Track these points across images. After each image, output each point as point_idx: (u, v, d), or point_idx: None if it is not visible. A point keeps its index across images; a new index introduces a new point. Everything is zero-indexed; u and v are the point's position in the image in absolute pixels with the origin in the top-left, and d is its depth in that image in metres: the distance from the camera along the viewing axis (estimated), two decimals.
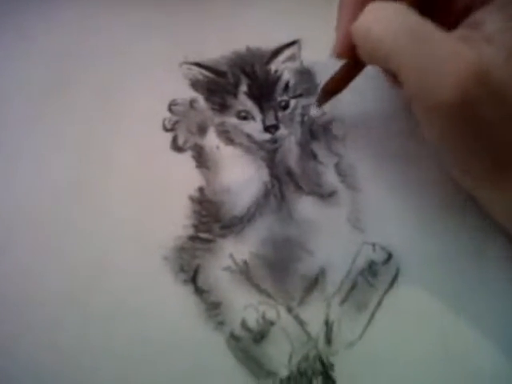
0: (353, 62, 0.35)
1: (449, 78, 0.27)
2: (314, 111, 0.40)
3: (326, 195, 0.37)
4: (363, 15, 0.31)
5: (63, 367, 0.33)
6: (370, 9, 0.31)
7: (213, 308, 0.33)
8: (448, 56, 0.27)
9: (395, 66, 0.29)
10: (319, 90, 0.39)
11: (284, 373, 0.32)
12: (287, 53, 0.42)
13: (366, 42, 0.31)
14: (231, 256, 0.35)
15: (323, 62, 0.39)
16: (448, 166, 0.33)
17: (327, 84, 0.37)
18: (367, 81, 0.39)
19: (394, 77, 0.33)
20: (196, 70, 0.41)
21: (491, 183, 0.31)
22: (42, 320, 0.34)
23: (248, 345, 0.32)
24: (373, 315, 0.34)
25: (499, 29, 0.29)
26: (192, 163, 0.38)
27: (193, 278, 0.34)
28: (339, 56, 0.34)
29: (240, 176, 0.38)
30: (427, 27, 0.28)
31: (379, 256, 0.35)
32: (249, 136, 0.39)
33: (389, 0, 0.30)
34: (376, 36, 0.30)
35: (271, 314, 0.33)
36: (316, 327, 0.33)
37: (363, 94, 0.40)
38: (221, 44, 0.42)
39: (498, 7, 0.29)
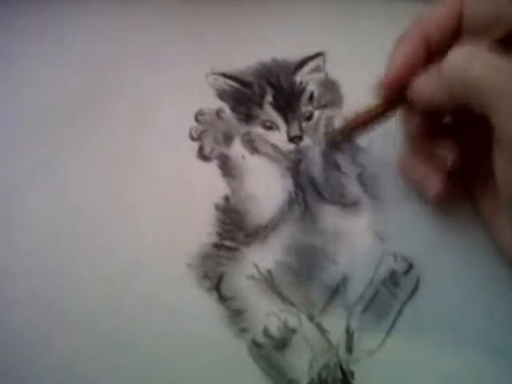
0: (390, 102, 0.34)
1: None
2: (337, 122, 0.40)
3: (348, 205, 0.38)
4: (456, 54, 0.30)
5: (94, 368, 0.34)
6: (462, 50, 0.30)
7: (235, 315, 0.34)
8: None
9: (493, 104, 0.29)
10: (337, 129, 0.38)
11: (305, 380, 0.32)
12: (312, 64, 0.43)
13: (462, 82, 0.30)
14: (255, 264, 0.35)
15: (347, 73, 0.40)
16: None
17: (351, 123, 0.36)
18: None
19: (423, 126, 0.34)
20: (222, 80, 0.42)
21: None
22: (75, 318, 0.35)
23: (269, 352, 0.33)
24: (393, 324, 0.34)
25: None
26: (218, 172, 0.39)
27: (217, 285, 0.35)
28: (388, 87, 0.34)
29: (265, 185, 0.38)
30: None
31: (400, 266, 0.35)
32: (274, 146, 0.39)
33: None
34: (476, 76, 0.29)
35: (293, 322, 0.34)
36: (337, 335, 0.34)
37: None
38: (247, 55, 0.43)
39: None
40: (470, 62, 0.29)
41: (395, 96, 0.34)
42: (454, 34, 0.33)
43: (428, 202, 0.36)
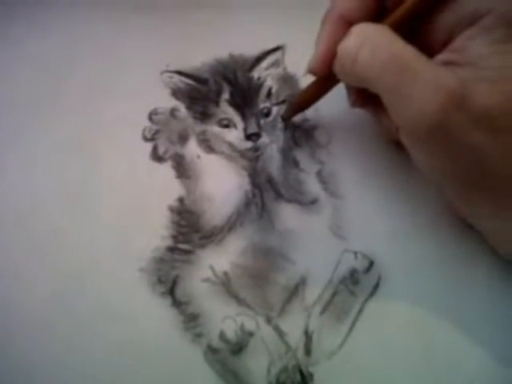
0: (326, 79, 0.36)
1: (429, 103, 0.28)
2: (295, 118, 0.40)
3: (307, 203, 0.37)
4: (350, 38, 0.32)
5: (49, 371, 0.33)
6: (357, 32, 0.32)
7: (191, 320, 0.34)
8: (429, 82, 0.28)
9: (379, 91, 0.31)
10: (286, 103, 0.40)
11: None
12: (270, 59, 0.42)
13: (352, 65, 0.31)
14: (211, 267, 0.35)
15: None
16: (449, 200, 0.34)
17: (296, 98, 0.39)
18: None
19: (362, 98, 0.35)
20: (177, 78, 0.42)
21: (494, 213, 0.32)
22: (28, 324, 0.34)
23: (226, 357, 0.33)
24: (354, 324, 0.34)
25: (483, 54, 0.30)
26: (172, 173, 0.39)
27: (171, 289, 0.35)
28: (315, 72, 0.35)
29: (221, 185, 0.38)
30: (411, 54, 0.30)
31: (361, 264, 0.35)
32: (230, 144, 0.39)
33: (372, 22, 0.32)
34: (364, 61, 0.31)
35: (250, 325, 0.34)
36: (295, 337, 0.33)
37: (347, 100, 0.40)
38: (203, 51, 0.43)
39: (480, 32, 0.30)
40: (358, 47, 0.31)
41: (327, 74, 0.35)
42: (377, 10, 0.34)
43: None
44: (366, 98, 0.35)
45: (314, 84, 0.37)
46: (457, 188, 0.32)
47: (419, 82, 0.29)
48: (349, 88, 0.37)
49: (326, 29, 0.34)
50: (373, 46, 0.30)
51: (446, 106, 0.28)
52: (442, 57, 0.31)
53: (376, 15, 0.34)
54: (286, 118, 0.40)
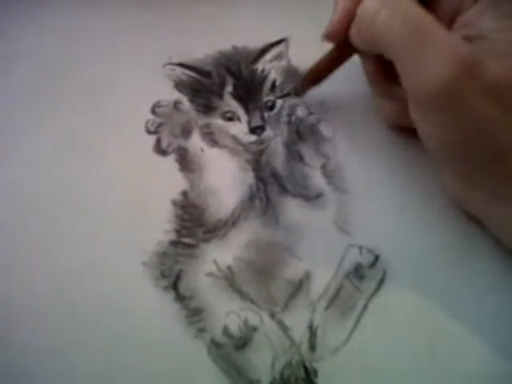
0: (341, 47, 0.35)
1: (442, 68, 0.29)
2: (300, 112, 0.39)
3: (312, 197, 0.37)
4: (368, 0, 0.32)
5: (50, 366, 0.33)
6: None
7: (194, 314, 0.33)
8: (444, 48, 0.29)
9: (395, 54, 0.31)
10: (299, 79, 0.39)
11: (266, 380, 0.32)
12: (274, 51, 0.42)
13: (371, 26, 0.32)
14: (215, 261, 0.35)
15: (311, 60, 0.39)
16: (449, 184, 0.34)
17: (310, 71, 0.38)
18: (357, 80, 0.39)
19: (377, 69, 0.35)
20: (180, 70, 0.41)
21: (494, 198, 0.32)
22: (27, 319, 0.34)
23: (230, 352, 0.33)
24: (359, 319, 0.34)
25: (493, 27, 0.30)
26: (176, 166, 0.38)
27: (174, 284, 0.34)
28: (332, 36, 0.35)
29: (224, 179, 0.38)
30: (429, 19, 0.30)
31: (366, 259, 0.35)
32: (234, 138, 0.39)
33: None
34: (382, 22, 0.31)
35: (254, 320, 0.33)
36: (300, 332, 0.33)
37: (353, 94, 0.40)
38: (206, 43, 0.43)
39: (488, 6, 0.30)
40: (378, 8, 0.31)
41: (342, 42, 0.35)
42: None
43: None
44: (379, 68, 0.35)
45: (327, 56, 0.37)
46: (459, 166, 0.32)
47: (434, 46, 0.29)
48: (365, 59, 0.37)
49: None
50: (392, 8, 0.31)
51: (459, 73, 0.28)
52: (455, 31, 0.32)
53: None
54: (300, 93, 0.39)
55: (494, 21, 0.30)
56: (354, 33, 0.34)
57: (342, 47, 0.36)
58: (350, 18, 0.34)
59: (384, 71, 0.35)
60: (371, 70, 0.37)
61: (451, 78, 0.28)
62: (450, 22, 0.33)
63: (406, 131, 0.35)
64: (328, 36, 0.35)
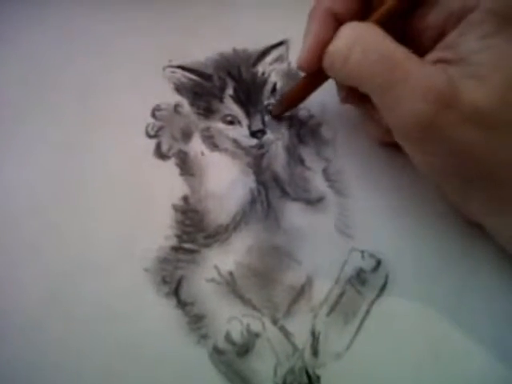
0: (316, 75, 0.35)
1: (419, 103, 0.29)
2: (301, 115, 0.40)
3: (313, 201, 0.37)
4: (340, 38, 0.32)
5: (44, 371, 0.33)
6: (347, 32, 0.32)
7: (196, 321, 0.33)
8: (419, 82, 0.29)
9: (370, 91, 0.31)
10: (276, 100, 0.39)
11: None
12: (275, 54, 0.42)
13: (344, 65, 0.32)
14: (216, 267, 0.35)
15: None
16: (449, 197, 0.35)
17: (286, 95, 0.38)
18: None
19: (352, 96, 0.36)
20: (180, 73, 0.41)
21: (494, 210, 0.32)
22: (22, 323, 0.34)
23: (232, 358, 0.32)
24: (361, 325, 0.34)
25: (472, 49, 0.30)
26: (176, 171, 0.38)
27: (175, 290, 0.34)
28: (304, 69, 0.35)
29: (225, 183, 0.38)
30: (402, 54, 0.30)
31: (368, 263, 0.35)
32: (235, 141, 0.39)
33: (361, 21, 0.32)
34: (355, 62, 0.31)
35: (256, 326, 0.33)
36: (302, 339, 0.33)
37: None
38: (207, 46, 0.42)
39: (469, 27, 0.30)
40: (350, 46, 0.31)
41: (316, 70, 0.35)
42: (363, 4, 0.34)
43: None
44: (356, 95, 0.35)
45: (303, 80, 0.37)
46: (454, 185, 0.32)
47: (409, 82, 0.29)
48: (339, 84, 0.37)
49: (313, 24, 0.34)
50: (364, 46, 0.31)
51: (436, 106, 0.28)
52: (433, 55, 0.31)
53: (363, 9, 0.34)
54: (276, 115, 0.39)
55: (473, 41, 0.30)
56: (326, 66, 0.33)
57: (317, 74, 0.35)
58: (320, 50, 0.33)
59: (362, 97, 0.34)
60: (344, 97, 0.36)
61: (429, 112, 0.29)
62: (434, 44, 0.32)
63: (393, 147, 0.35)
64: (300, 68, 0.35)
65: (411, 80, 0.29)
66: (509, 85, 0.29)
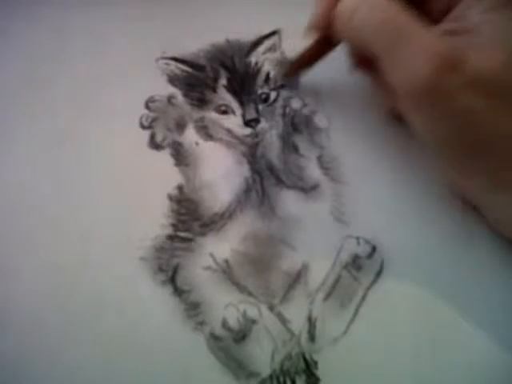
0: (326, 38, 0.36)
1: (422, 66, 0.29)
2: (294, 103, 0.40)
3: (308, 189, 0.37)
4: None
5: (43, 363, 0.33)
6: None
7: (192, 308, 0.34)
8: (422, 45, 0.29)
9: (374, 52, 0.31)
10: (285, 65, 0.40)
11: (266, 372, 0.32)
12: (267, 44, 0.42)
13: (348, 24, 0.32)
14: (211, 255, 0.35)
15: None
16: (447, 173, 0.35)
17: (298, 57, 0.39)
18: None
19: (363, 61, 0.36)
20: (174, 64, 0.41)
21: (493, 185, 0.32)
22: (21, 319, 0.34)
23: (229, 344, 0.33)
24: (357, 310, 0.34)
25: (479, 20, 0.30)
26: (170, 161, 0.38)
27: (171, 278, 0.35)
28: (316, 31, 0.36)
29: (220, 172, 0.38)
30: (405, 18, 0.30)
31: (363, 249, 0.35)
32: (229, 131, 0.39)
33: None
34: (359, 21, 0.32)
35: (253, 313, 0.34)
36: (299, 324, 0.34)
37: (348, 84, 0.40)
38: (199, 37, 0.43)
39: (476, 1, 0.31)
40: (356, 6, 0.32)
41: (326, 34, 0.36)
42: None
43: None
44: (365, 61, 0.35)
45: (315, 43, 0.37)
46: (453, 156, 0.32)
47: (413, 44, 0.29)
48: (349, 50, 0.37)
49: None
50: (369, 5, 0.31)
51: (440, 68, 0.29)
52: (442, 26, 0.32)
53: None
54: (286, 77, 0.40)
55: (480, 14, 0.30)
56: (336, 27, 0.34)
57: (327, 39, 0.36)
58: (331, 12, 0.34)
59: (371, 64, 0.34)
60: (356, 62, 0.37)
61: (432, 74, 0.29)
62: (442, 16, 0.33)
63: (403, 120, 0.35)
64: (310, 30, 0.36)
65: (415, 42, 0.29)
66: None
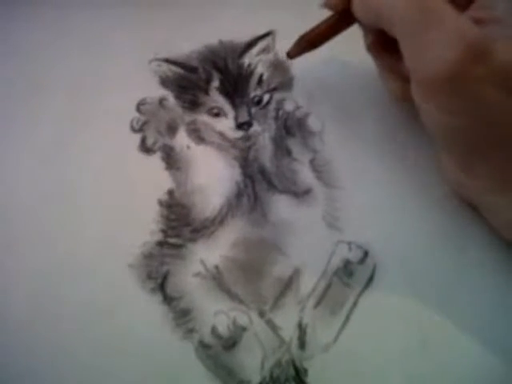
0: (342, 15, 0.35)
1: (448, 51, 0.28)
2: (287, 106, 0.40)
3: (301, 193, 0.37)
4: None
5: (36, 369, 0.33)
6: None
7: (182, 316, 0.34)
8: (453, 30, 0.28)
9: (398, 32, 0.30)
10: (296, 39, 0.38)
11: (256, 380, 0.32)
12: (261, 45, 0.42)
13: (367, 4, 0.32)
14: (202, 261, 0.35)
15: None
16: (451, 172, 0.34)
17: (306, 35, 0.37)
18: (346, 71, 0.39)
19: (379, 43, 0.35)
20: (166, 66, 0.41)
21: (500, 185, 0.31)
22: (11, 325, 0.34)
23: (218, 352, 0.33)
24: (348, 317, 0.34)
25: (508, 10, 0.30)
26: (161, 165, 0.38)
27: (161, 285, 0.34)
28: (333, 5, 0.35)
29: (211, 176, 0.38)
30: (439, 0, 0.29)
31: (355, 255, 0.35)
32: (221, 134, 0.39)
33: None
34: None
35: (243, 320, 0.34)
36: (289, 331, 0.33)
37: (341, 87, 0.40)
38: (192, 38, 0.42)
39: None
40: None
41: (343, 10, 0.34)
42: None
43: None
44: (382, 41, 0.35)
45: (327, 21, 0.36)
46: (460, 153, 0.32)
47: (441, 27, 0.28)
48: (366, 31, 0.36)
49: None
50: None
51: (467, 57, 0.28)
52: (467, 14, 0.31)
53: None
54: (293, 56, 0.38)
55: (507, 3, 0.30)
56: (356, 2, 0.33)
57: (343, 15, 0.35)
58: None
59: (386, 45, 0.34)
60: (372, 42, 0.36)
61: (457, 62, 0.28)
62: (467, 4, 0.32)
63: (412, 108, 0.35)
64: (327, 4, 0.35)
65: (444, 26, 0.28)
66: None
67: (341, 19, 0.35)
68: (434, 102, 0.30)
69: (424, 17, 0.29)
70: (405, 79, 0.33)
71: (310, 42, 0.37)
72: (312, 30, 0.37)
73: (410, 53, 0.30)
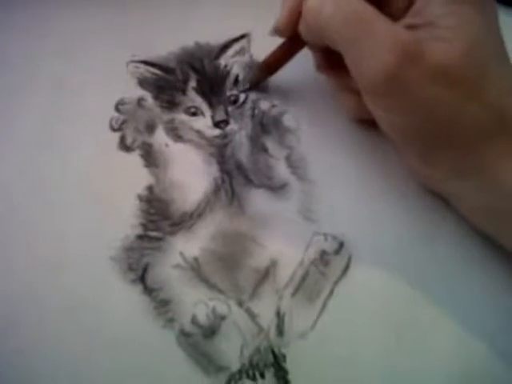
0: (292, 41, 0.37)
1: (385, 57, 0.30)
2: (263, 105, 0.41)
3: (277, 188, 0.38)
4: None
5: (19, 364, 0.34)
6: None
7: (162, 306, 0.35)
8: (386, 37, 0.31)
9: (340, 47, 0.33)
10: (254, 69, 0.41)
11: (235, 366, 0.33)
12: (236, 47, 0.43)
13: (316, 19, 0.33)
14: (181, 253, 0.36)
15: None
16: (411, 163, 0.36)
17: (265, 61, 0.40)
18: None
19: (328, 62, 0.37)
20: (143, 67, 0.42)
21: (457, 172, 0.33)
22: None
23: (198, 340, 0.34)
24: (325, 305, 0.35)
25: (439, 13, 0.32)
26: (140, 162, 0.39)
27: (141, 276, 0.36)
28: (281, 32, 0.37)
29: (189, 173, 0.39)
30: (370, 11, 0.32)
31: (331, 245, 0.36)
32: (198, 132, 0.40)
33: None
34: (327, 15, 0.33)
35: (222, 309, 0.35)
36: (267, 319, 0.35)
37: (316, 85, 0.41)
38: (169, 40, 0.44)
39: None
40: (321, 5, 0.33)
41: (293, 36, 0.37)
42: None
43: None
44: (331, 61, 0.37)
45: (280, 47, 0.39)
46: (416, 147, 0.34)
47: (376, 36, 0.31)
48: (314, 52, 0.39)
49: None
50: (334, 3, 0.32)
51: (402, 60, 0.30)
52: (403, 22, 0.33)
53: None
54: (254, 84, 0.41)
55: (439, 7, 0.32)
56: (302, 28, 0.35)
57: (293, 41, 0.38)
58: (296, 15, 0.35)
59: (336, 65, 0.36)
60: (322, 63, 0.39)
61: (393, 65, 0.30)
62: (404, 13, 0.35)
63: (370, 124, 0.37)
64: (276, 31, 0.37)
65: (378, 34, 0.31)
66: (471, 47, 0.31)
67: (292, 44, 0.38)
68: (380, 104, 0.33)
69: (359, 28, 0.31)
70: (357, 93, 0.35)
71: (268, 69, 0.40)
72: (268, 57, 0.40)
73: (352, 64, 0.33)
